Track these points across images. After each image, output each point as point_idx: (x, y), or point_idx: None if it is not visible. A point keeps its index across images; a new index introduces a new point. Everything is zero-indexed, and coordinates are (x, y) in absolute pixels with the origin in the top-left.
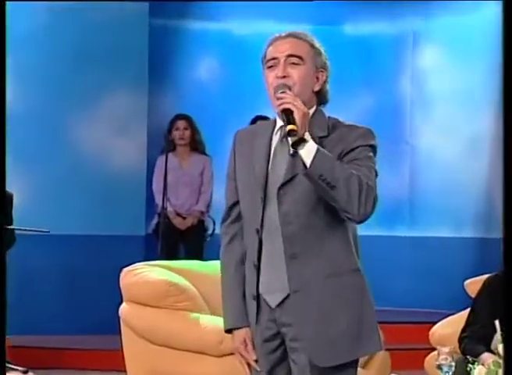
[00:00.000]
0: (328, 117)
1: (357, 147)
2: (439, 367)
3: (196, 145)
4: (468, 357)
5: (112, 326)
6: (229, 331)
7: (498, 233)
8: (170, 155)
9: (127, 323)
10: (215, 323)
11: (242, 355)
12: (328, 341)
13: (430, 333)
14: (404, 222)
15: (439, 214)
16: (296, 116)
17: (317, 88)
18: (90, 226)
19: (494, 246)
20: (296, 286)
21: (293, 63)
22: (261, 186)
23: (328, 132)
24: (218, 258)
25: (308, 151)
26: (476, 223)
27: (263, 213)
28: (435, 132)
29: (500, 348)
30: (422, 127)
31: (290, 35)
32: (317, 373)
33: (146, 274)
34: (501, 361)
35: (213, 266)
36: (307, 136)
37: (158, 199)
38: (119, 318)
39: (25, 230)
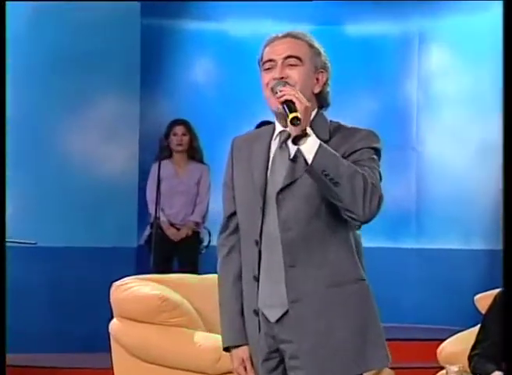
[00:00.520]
0: (330, 121)
1: (360, 149)
2: None
3: (194, 153)
4: None
5: (102, 343)
6: (226, 349)
7: None
8: (165, 161)
9: (118, 340)
10: (210, 340)
11: None
12: (329, 354)
13: (438, 350)
14: (410, 233)
15: (447, 225)
16: (299, 106)
17: (317, 90)
18: (79, 238)
19: None
20: (294, 296)
21: (292, 64)
22: (260, 194)
23: (329, 136)
24: (214, 272)
25: (310, 146)
26: (487, 234)
27: (262, 223)
28: (442, 138)
29: None
30: (429, 133)
31: (288, 35)
32: None
33: (137, 289)
34: None
35: (209, 280)
36: (309, 130)
37: (151, 209)
38: (109, 335)
39: (10, 241)
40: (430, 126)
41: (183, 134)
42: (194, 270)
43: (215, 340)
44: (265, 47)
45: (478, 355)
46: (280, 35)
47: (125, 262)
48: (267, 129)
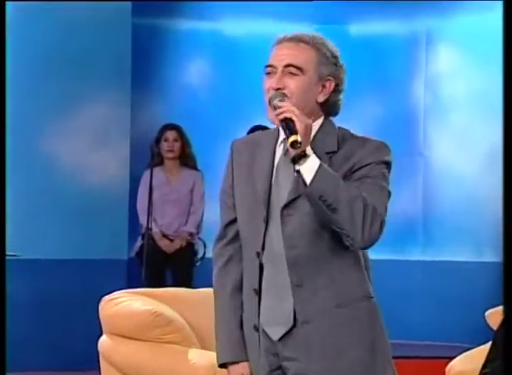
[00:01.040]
0: (339, 128)
1: (370, 163)
2: None
3: (186, 159)
4: None
5: (90, 361)
6: (223, 365)
7: None
8: (157, 169)
9: (107, 358)
10: (205, 357)
11: None
12: None
13: (447, 369)
14: (417, 244)
15: (456, 235)
16: (298, 126)
17: (322, 99)
18: (66, 250)
19: None
20: (304, 317)
21: (291, 73)
22: (264, 204)
23: (337, 146)
24: (209, 285)
25: (310, 169)
26: (498, 245)
27: (265, 235)
28: (451, 143)
29: None
30: (437, 138)
31: (294, 39)
32: None
33: (128, 303)
34: None
35: (204, 294)
36: (308, 150)
37: (143, 219)
38: (97, 352)
39: None
40: (438, 130)
41: (175, 140)
42: (188, 284)
43: (210, 357)
44: (273, 47)
45: None
46: (288, 37)
47: (115, 276)
48: (270, 133)
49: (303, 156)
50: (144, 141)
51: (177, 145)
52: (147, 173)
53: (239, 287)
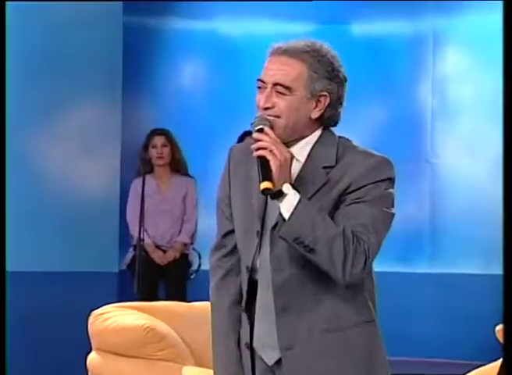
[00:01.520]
0: (339, 137)
1: (365, 185)
2: None
3: (177, 165)
4: None
5: None
6: None
7: None
8: (147, 177)
9: None
10: None
11: None
12: None
13: None
14: (424, 256)
15: (465, 246)
16: (273, 166)
17: (316, 115)
18: (54, 262)
19: None
20: (287, 343)
21: (279, 92)
22: (259, 218)
23: (336, 160)
24: (205, 299)
25: (287, 207)
26: None
27: (259, 250)
28: (460, 149)
29: None
30: (445, 143)
31: (286, 52)
32: None
33: (119, 318)
34: None
35: (199, 308)
36: (286, 188)
37: (134, 230)
38: (86, 370)
39: None
40: (446, 135)
41: (163, 146)
42: (183, 297)
43: None
44: (267, 58)
45: None
46: (281, 49)
47: (105, 289)
48: None
49: (280, 194)
50: (136, 148)
51: (166, 151)
52: (137, 182)
53: (237, 301)
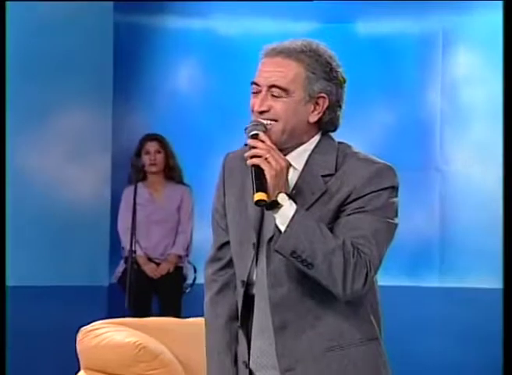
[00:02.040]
0: (339, 143)
1: (367, 194)
2: None
3: (171, 173)
4: None
5: None
6: None
7: None
8: (139, 185)
9: None
10: None
11: None
12: None
13: None
14: (433, 269)
15: (477, 259)
16: (268, 175)
17: (314, 118)
18: (40, 275)
19: None
20: (287, 364)
21: (275, 96)
22: (255, 229)
23: (335, 168)
24: (200, 315)
25: (283, 219)
26: None
27: (255, 263)
28: (471, 156)
29: None
30: (456, 150)
31: (281, 53)
32: None
33: (109, 335)
34: None
35: (194, 325)
36: (281, 199)
37: (125, 241)
38: None
39: None
40: (456, 142)
41: (157, 152)
42: (177, 313)
43: None
44: (260, 60)
45: None
46: (275, 50)
47: (94, 304)
48: None
49: (275, 205)
50: (128, 154)
51: (160, 157)
52: (128, 190)
53: (234, 317)
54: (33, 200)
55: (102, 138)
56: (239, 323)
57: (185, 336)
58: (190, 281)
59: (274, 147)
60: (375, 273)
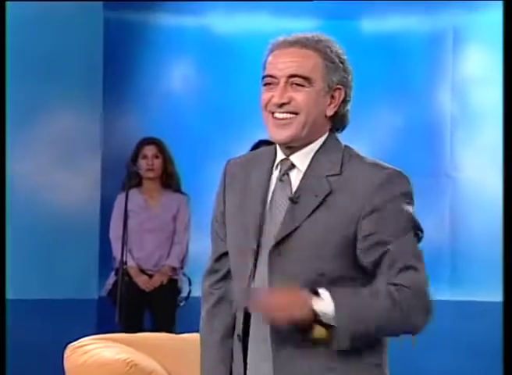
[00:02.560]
0: (345, 146)
1: (381, 205)
2: None
3: (169, 180)
4: None
5: None
6: None
7: None
8: (133, 191)
9: None
10: None
11: None
12: None
13: None
14: (443, 281)
15: (489, 271)
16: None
17: (331, 112)
18: (25, 288)
19: None
20: None
21: (297, 84)
22: (254, 235)
23: (340, 169)
24: (195, 330)
25: (326, 319)
26: None
27: (254, 270)
28: (483, 161)
29: None
30: (467, 155)
31: (297, 43)
32: None
33: (99, 351)
34: None
35: (188, 341)
36: (316, 308)
37: (116, 251)
38: None
39: None
40: (468, 146)
41: (155, 157)
42: (171, 328)
43: None
44: (269, 54)
45: None
46: (288, 41)
47: (83, 318)
48: (268, 152)
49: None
50: (118, 159)
51: (158, 163)
52: (121, 196)
53: (230, 333)
54: (18, 207)
55: (91, 142)
56: (239, 336)
57: (179, 352)
58: (184, 294)
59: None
60: (431, 297)
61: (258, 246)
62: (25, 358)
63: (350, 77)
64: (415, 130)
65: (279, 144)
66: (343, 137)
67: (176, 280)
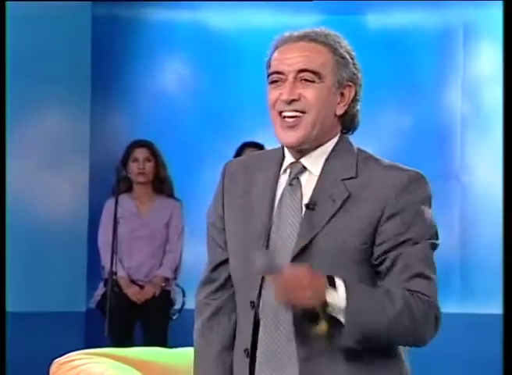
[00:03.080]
0: (358, 149)
1: (402, 209)
2: None
3: (161, 184)
4: None
5: None
6: None
7: None
8: (123, 197)
9: None
10: None
11: None
12: None
13: None
14: (453, 292)
15: (502, 282)
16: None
17: (341, 111)
18: (9, 300)
19: None
20: None
21: (306, 80)
22: (262, 244)
23: (356, 172)
24: (189, 344)
25: (337, 308)
26: None
27: (262, 281)
28: (495, 165)
29: None
30: (478, 158)
31: (305, 37)
32: None
33: (87, 367)
34: None
35: (182, 355)
36: (328, 299)
37: (105, 260)
38: None
39: None
40: (479, 148)
41: (146, 160)
42: (163, 342)
43: None
44: (274, 50)
45: None
46: (295, 36)
47: (70, 332)
48: (274, 154)
49: (325, 310)
50: (107, 162)
51: (149, 167)
52: (110, 203)
53: (229, 346)
54: (4, 213)
55: (79, 144)
56: (247, 351)
57: (171, 368)
58: (178, 306)
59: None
60: (440, 310)
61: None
62: (9, 373)
63: (359, 75)
64: (423, 131)
65: (288, 148)
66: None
67: (168, 292)
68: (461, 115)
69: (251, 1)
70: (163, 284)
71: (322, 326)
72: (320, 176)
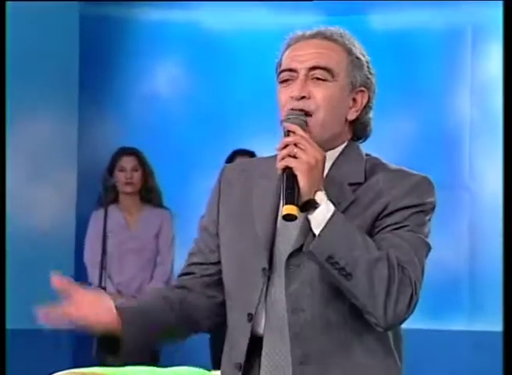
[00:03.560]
0: (366, 155)
1: (405, 207)
2: None
3: (149, 194)
4: None
5: None
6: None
7: None
8: (111, 208)
9: None
10: None
11: None
12: None
13: None
14: (462, 309)
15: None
16: (299, 172)
17: (352, 116)
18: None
19: None
20: None
21: (318, 78)
22: (265, 252)
23: (364, 177)
24: (181, 363)
25: (319, 220)
26: None
27: (265, 292)
28: None
29: None
30: (487, 166)
31: (319, 34)
32: None
33: None
34: None
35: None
36: (319, 198)
37: (93, 275)
38: None
39: None
40: (488, 156)
41: (134, 169)
42: (154, 359)
43: None
44: (286, 49)
45: None
46: (308, 34)
47: (59, 350)
48: (275, 160)
49: (312, 205)
50: (96, 171)
51: (137, 176)
52: (98, 214)
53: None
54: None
55: (66, 152)
56: (241, 369)
57: None
58: None
59: (309, 139)
60: (417, 298)
61: (270, 263)
62: None
63: (374, 80)
64: (430, 137)
65: None
66: None
67: None
68: (470, 120)
69: (248, 0)
70: None
71: (290, 209)
72: (326, 179)
